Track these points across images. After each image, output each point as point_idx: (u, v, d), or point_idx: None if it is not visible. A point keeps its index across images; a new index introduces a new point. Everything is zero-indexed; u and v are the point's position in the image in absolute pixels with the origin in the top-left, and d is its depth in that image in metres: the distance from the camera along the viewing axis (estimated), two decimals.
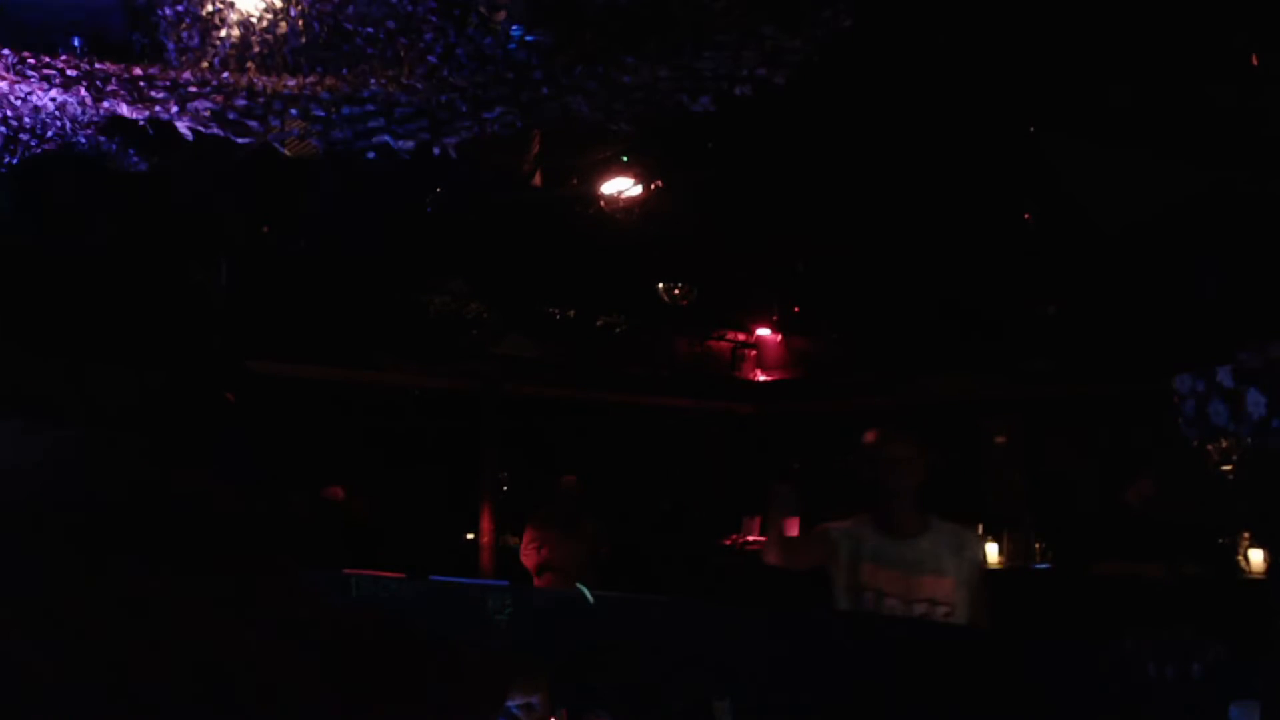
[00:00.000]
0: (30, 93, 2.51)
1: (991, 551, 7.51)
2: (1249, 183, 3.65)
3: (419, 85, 2.42)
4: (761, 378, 8.93)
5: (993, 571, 7.43)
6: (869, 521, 3.11)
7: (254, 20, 2.34)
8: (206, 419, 0.99)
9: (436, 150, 2.61)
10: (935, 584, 2.96)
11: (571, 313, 7.26)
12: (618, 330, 7.58)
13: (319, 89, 2.45)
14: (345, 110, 2.47)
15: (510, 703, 1.12)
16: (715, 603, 1.56)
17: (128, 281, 0.92)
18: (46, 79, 2.42)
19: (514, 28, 2.25)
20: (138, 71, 2.40)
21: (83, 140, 2.74)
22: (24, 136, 2.68)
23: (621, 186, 4.77)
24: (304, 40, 2.37)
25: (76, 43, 2.35)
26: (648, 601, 1.57)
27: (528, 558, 6.17)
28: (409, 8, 2.23)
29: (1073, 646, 1.13)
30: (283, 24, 2.34)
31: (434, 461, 7.92)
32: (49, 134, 2.71)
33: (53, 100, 2.55)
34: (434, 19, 2.24)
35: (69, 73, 2.39)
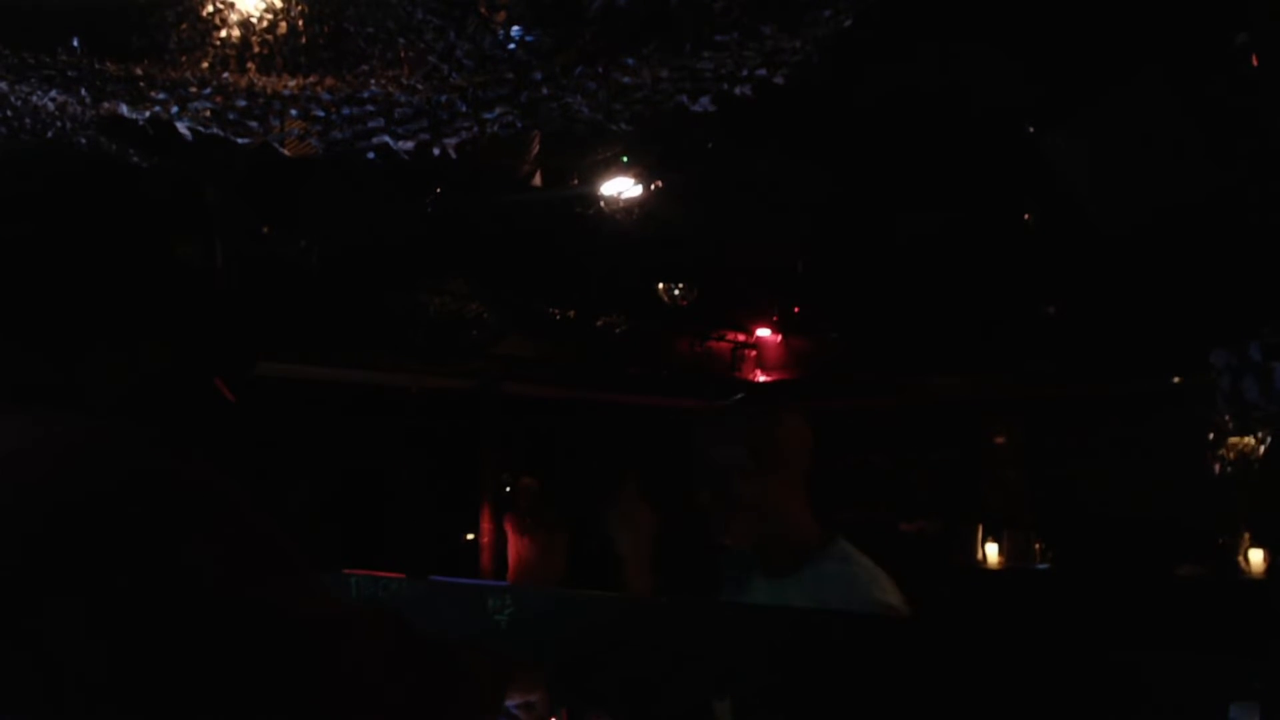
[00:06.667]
0: (30, 93, 2.51)
1: (992, 551, 7.52)
2: (1249, 183, 3.65)
3: (419, 85, 2.43)
4: (761, 378, 8.92)
5: (993, 571, 7.44)
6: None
7: (254, 20, 2.34)
8: (206, 409, 0.98)
9: (436, 150, 2.61)
10: None
11: (571, 313, 7.25)
12: (618, 330, 7.57)
13: (319, 89, 2.45)
14: (345, 110, 2.46)
15: (510, 703, 1.12)
16: (715, 602, 1.55)
17: (120, 267, 0.92)
18: (47, 79, 2.42)
19: (514, 28, 2.25)
20: (138, 71, 2.41)
21: (83, 140, 2.74)
22: (24, 136, 2.68)
23: (621, 186, 4.77)
24: (304, 40, 2.37)
25: (76, 43, 2.35)
26: (648, 601, 1.57)
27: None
28: (409, 8, 2.23)
29: (1073, 647, 1.13)
30: (283, 24, 2.34)
31: (434, 461, 7.92)
32: (49, 134, 2.70)
33: (53, 100, 2.55)
34: (434, 19, 2.25)
35: (69, 73, 2.39)
